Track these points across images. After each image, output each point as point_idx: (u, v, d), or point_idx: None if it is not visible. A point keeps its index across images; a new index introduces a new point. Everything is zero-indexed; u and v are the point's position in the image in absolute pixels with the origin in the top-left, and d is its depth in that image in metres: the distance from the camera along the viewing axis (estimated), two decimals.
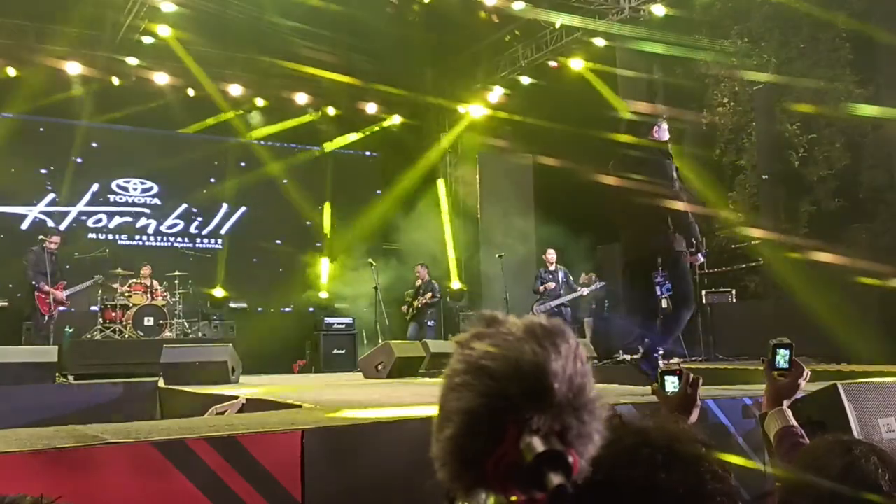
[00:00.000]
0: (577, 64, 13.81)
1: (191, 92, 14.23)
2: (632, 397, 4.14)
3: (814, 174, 12.10)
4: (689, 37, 13.45)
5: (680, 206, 5.09)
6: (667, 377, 2.20)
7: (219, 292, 14.13)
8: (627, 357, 11.27)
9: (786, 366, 2.24)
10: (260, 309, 14.36)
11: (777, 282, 11.60)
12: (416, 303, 12.68)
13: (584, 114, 13.64)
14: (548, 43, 14.08)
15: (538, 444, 0.92)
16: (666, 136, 5.35)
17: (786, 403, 2.20)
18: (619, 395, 4.41)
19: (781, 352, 2.25)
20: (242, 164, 15.56)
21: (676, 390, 2.27)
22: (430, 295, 12.59)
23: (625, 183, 5.12)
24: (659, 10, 12.58)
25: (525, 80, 15.03)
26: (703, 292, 12.40)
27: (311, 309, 14.74)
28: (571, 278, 11.75)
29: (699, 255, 5.62)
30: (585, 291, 11.73)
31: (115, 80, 13.57)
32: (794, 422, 2.15)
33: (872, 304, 8.45)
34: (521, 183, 13.86)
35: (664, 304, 11.27)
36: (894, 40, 9.80)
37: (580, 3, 12.66)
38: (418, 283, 12.90)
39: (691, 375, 2.10)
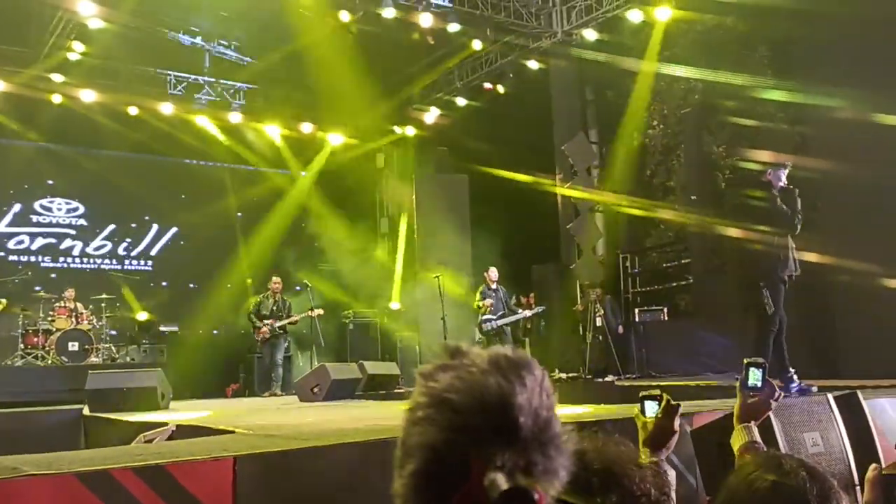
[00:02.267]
0: (512, 86, 14.00)
1: (122, 110, 13.86)
2: (570, 416, 4.17)
3: (740, 195, 12.49)
4: (619, 59, 13.79)
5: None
6: (647, 402, 2.19)
7: (148, 315, 13.74)
8: (563, 376, 11.41)
9: (758, 384, 2.26)
10: (192, 332, 14.00)
11: (706, 299, 11.90)
12: (277, 323, 11.24)
13: (520, 136, 13.84)
14: (483, 65, 14.25)
15: (503, 482, 0.89)
16: (777, 181, 5.81)
17: (754, 423, 2.22)
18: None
19: (754, 371, 2.27)
20: (173, 183, 15.23)
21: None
22: (287, 311, 11.38)
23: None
24: (591, 35, 12.87)
25: (461, 101, 15.17)
26: (636, 310, 12.66)
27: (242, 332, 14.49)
28: (510, 298, 11.83)
29: None
30: (528, 313, 11.82)
31: (41, 98, 13.13)
32: (758, 438, 2.19)
33: (796, 320, 8.73)
34: (456, 203, 13.92)
35: (598, 323, 11.42)
36: (813, 63, 10.22)
37: (515, 25, 12.86)
38: (272, 297, 11.42)
39: (670, 401, 2.07)
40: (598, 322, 11.41)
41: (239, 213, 15.60)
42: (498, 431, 0.93)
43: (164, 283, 14.59)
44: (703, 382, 7.88)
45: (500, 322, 11.17)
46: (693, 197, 12.38)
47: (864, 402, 3.60)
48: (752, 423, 2.22)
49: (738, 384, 2.30)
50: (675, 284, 13.12)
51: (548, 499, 0.95)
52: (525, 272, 13.63)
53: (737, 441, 2.19)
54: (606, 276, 12.48)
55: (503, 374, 0.96)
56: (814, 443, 3.10)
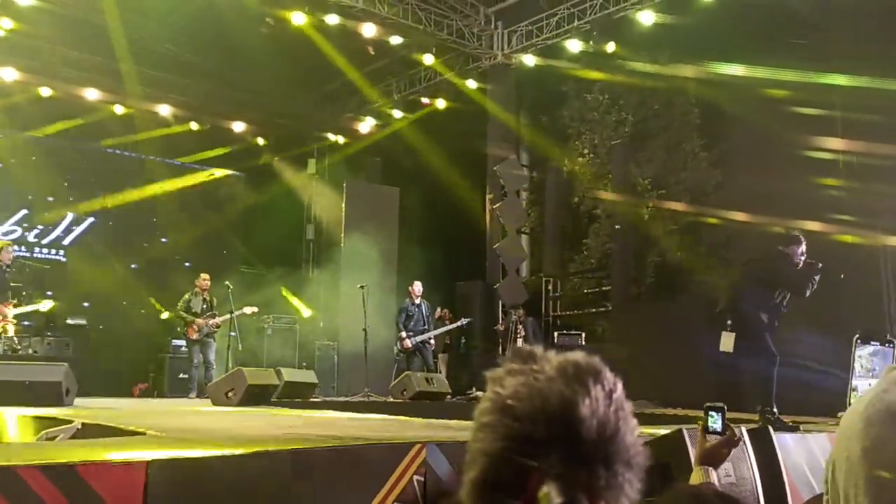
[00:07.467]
0: (447, 103, 14.11)
1: (43, 92, 13.30)
2: None
3: (661, 228, 12.88)
4: (556, 87, 14.06)
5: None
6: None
7: (52, 305, 13.12)
8: (480, 394, 11.46)
9: (718, 428, 2.24)
10: (100, 326, 13.45)
11: (622, 326, 12.18)
12: (213, 321, 10.84)
13: (453, 152, 13.95)
14: (421, 80, 14.31)
15: (556, 496, 0.86)
16: (795, 256, 5.97)
17: (712, 469, 2.22)
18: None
19: (713, 415, 2.26)
20: (93, 172, 14.68)
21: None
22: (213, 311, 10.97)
23: None
24: (529, 60, 13.09)
25: (397, 113, 15.18)
26: (556, 334, 12.86)
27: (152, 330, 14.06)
28: (433, 313, 11.85)
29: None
30: (452, 327, 11.86)
31: None
32: (714, 480, 2.21)
33: (704, 350, 9.00)
34: (386, 215, 13.87)
35: (519, 343, 11.55)
36: (738, 109, 10.66)
37: (457, 44, 12.98)
38: (202, 295, 11.02)
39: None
40: (519, 343, 11.54)
41: (160, 208, 15.12)
42: (558, 442, 0.90)
43: (74, 274, 13.99)
44: None
45: (421, 337, 11.16)
46: (617, 226, 12.68)
47: (774, 437, 3.75)
48: (710, 468, 2.21)
49: (699, 426, 2.32)
50: (594, 310, 13.39)
51: None
52: (449, 288, 13.68)
53: (694, 481, 2.23)
54: (529, 297, 12.64)
55: (567, 381, 0.93)
56: (726, 473, 3.21)
